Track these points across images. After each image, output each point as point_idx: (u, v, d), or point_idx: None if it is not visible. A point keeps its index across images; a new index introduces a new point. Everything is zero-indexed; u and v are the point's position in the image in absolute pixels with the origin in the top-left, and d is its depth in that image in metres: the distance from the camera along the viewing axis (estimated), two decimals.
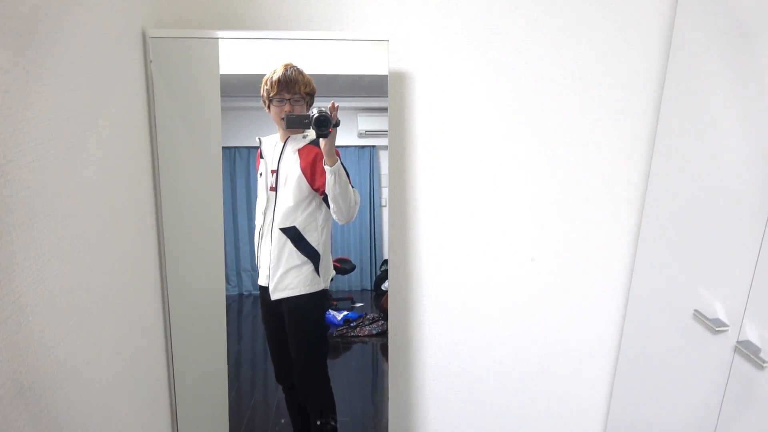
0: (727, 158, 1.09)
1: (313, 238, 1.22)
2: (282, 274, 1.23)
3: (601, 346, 1.53)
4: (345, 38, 1.20)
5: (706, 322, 1.13)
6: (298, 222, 1.20)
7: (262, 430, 1.40)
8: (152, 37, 1.11)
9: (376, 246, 1.46)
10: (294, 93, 1.15)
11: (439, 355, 1.50)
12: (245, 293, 1.40)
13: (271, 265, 1.22)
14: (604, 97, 1.35)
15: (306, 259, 1.21)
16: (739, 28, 1.05)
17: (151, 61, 1.12)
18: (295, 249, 1.21)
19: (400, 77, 1.30)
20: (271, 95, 1.16)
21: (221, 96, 1.19)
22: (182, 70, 1.17)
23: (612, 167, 1.40)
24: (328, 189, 1.18)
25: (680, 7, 1.22)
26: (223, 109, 1.20)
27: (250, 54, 1.20)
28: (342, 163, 1.19)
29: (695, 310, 1.17)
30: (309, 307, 1.28)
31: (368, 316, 1.44)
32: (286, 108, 1.17)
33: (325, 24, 1.25)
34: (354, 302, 1.45)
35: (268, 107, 1.19)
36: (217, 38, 1.15)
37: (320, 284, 1.26)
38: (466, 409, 1.55)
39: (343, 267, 1.41)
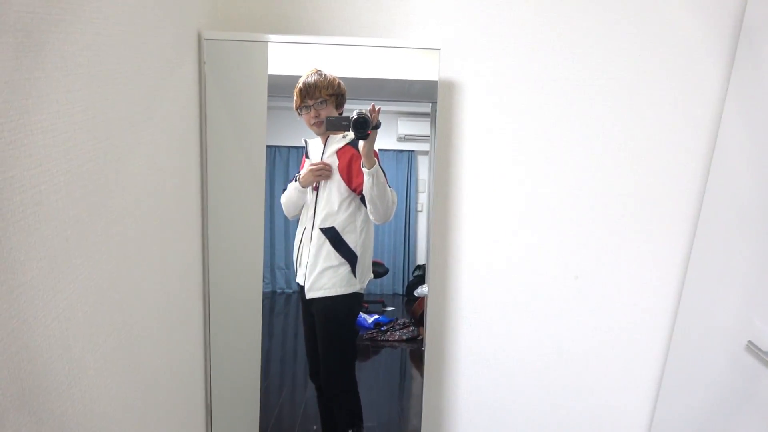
0: None
1: (352, 239, 1.22)
2: (318, 273, 1.24)
3: (643, 372, 1.45)
4: (398, 45, 1.18)
5: (761, 354, 1.05)
6: (337, 223, 1.21)
7: (289, 428, 1.41)
8: (207, 39, 1.13)
9: (410, 251, 1.45)
10: (316, 97, 1.15)
11: (474, 365, 1.46)
12: (278, 291, 1.42)
13: (309, 264, 1.23)
14: (661, 112, 1.28)
15: (343, 260, 1.22)
16: None
17: (205, 63, 1.14)
18: (333, 249, 1.21)
19: (449, 85, 1.27)
20: (298, 105, 1.17)
21: (268, 96, 1.21)
22: (233, 71, 1.18)
23: (665, 185, 1.32)
24: (366, 191, 1.17)
25: (744, 28, 1.14)
26: (269, 108, 1.22)
27: (298, 56, 1.21)
28: (380, 166, 1.18)
29: (749, 341, 1.09)
30: (340, 309, 1.28)
31: (399, 321, 1.43)
32: (312, 113, 1.18)
33: (374, 30, 1.24)
34: (385, 306, 1.45)
35: (301, 116, 1.20)
36: (269, 42, 1.15)
37: (356, 286, 1.26)
38: (499, 420, 1.51)
39: (376, 270, 1.40)
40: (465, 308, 1.42)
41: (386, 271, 1.41)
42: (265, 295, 1.40)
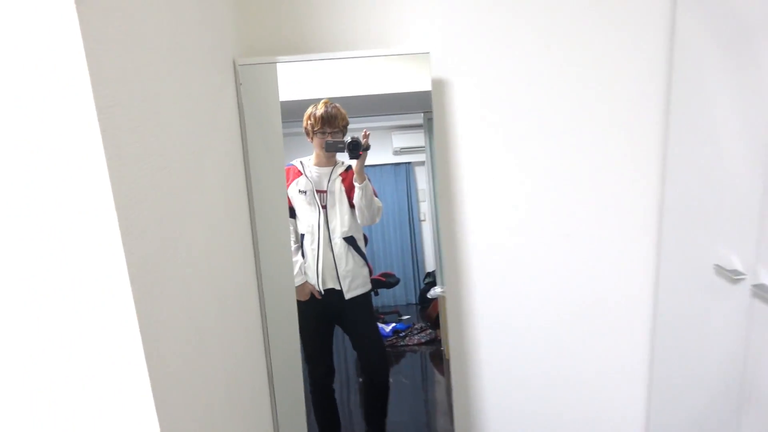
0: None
1: (362, 245, 1.39)
2: (353, 276, 1.39)
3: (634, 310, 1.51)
4: (386, 54, 1.30)
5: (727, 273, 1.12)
6: (353, 232, 1.36)
7: None
8: (240, 65, 1.28)
9: (418, 260, 1.53)
10: (334, 127, 1.29)
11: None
12: None
13: (341, 270, 1.36)
14: (612, 88, 1.39)
15: (363, 262, 1.38)
16: (739, 28, 1.13)
17: (240, 84, 1.29)
18: (357, 254, 1.37)
19: (441, 88, 1.37)
20: (315, 129, 1.30)
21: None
22: (257, 91, 1.32)
23: (623, 153, 1.42)
24: (356, 201, 1.32)
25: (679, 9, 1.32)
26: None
27: (306, 78, 1.34)
28: (369, 181, 1.31)
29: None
30: (370, 301, 1.43)
31: (416, 326, 1.49)
32: (328, 138, 1.31)
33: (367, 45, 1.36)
34: (401, 315, 1.51)
35: (311, 138, 1.32)
36: (277, 63, 1.29)
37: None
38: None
39: (387, 281, 1.48)
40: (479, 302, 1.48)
41: (397, 281, 1.49)
42: None
